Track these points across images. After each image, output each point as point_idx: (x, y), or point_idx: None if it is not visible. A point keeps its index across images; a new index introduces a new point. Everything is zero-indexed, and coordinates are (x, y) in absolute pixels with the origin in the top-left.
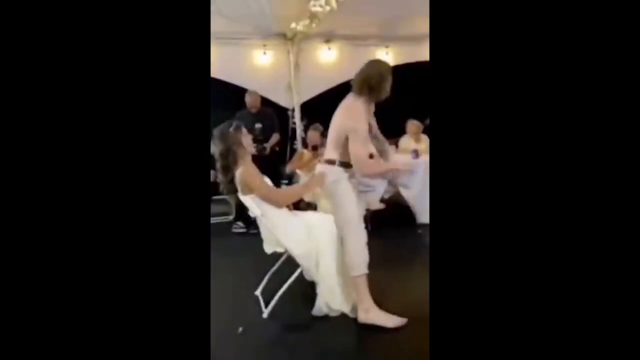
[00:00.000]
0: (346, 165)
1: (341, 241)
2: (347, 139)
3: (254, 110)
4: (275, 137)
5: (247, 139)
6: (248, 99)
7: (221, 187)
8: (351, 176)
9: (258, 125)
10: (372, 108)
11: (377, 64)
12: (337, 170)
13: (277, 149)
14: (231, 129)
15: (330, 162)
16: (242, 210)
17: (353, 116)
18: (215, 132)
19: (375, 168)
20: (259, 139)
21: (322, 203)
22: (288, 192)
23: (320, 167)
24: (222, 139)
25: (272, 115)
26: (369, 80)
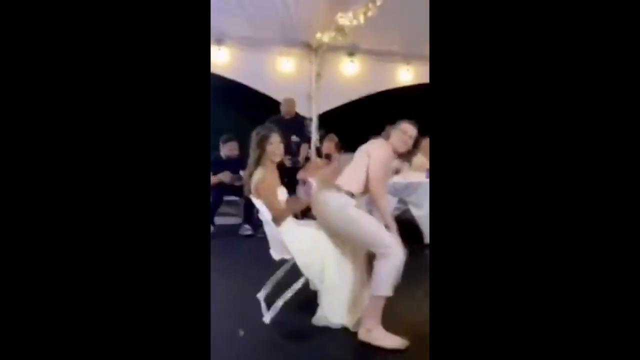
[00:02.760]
0: (352, 194)
1: (369, 257)
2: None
3: (287, 117)
4: (304, 148)
5: (276, 147)
6: (284, 106)
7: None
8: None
9: (295, 139)
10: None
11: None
12: (343, 197)
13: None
14: (262, 132)
15: (337, 188)
16: (250, 213)
17: (378, 144)
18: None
19: (383, 189)
20: (293, 152)
21: None
22: (284, 211)
23: (324, 194)
24: (252, 139)
25: (303, 124)
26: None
